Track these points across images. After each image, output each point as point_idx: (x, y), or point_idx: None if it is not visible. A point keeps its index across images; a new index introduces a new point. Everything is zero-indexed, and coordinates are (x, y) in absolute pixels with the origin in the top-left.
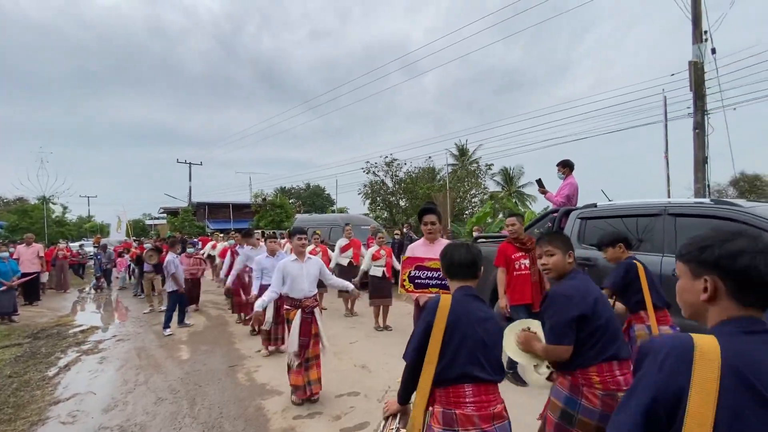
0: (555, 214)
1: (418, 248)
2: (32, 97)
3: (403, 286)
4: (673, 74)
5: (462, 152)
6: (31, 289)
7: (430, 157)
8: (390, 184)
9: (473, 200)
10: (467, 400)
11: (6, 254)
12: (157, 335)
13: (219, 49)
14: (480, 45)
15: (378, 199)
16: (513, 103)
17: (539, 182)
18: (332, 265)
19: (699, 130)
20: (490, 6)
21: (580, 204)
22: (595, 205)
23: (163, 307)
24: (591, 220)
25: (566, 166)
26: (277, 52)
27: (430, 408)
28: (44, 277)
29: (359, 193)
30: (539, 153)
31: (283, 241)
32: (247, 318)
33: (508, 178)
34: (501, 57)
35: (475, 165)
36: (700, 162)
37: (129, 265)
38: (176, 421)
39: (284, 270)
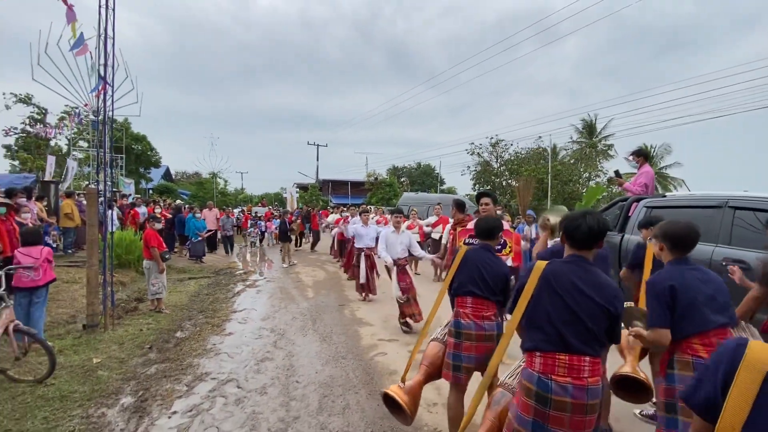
0: (624, 202)
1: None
2: (206, 90)
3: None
4: None
5: (589, 128)
6: (212, 242)
7: (540, 137)
8: (495, 165)
9: (588, 183)
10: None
11: (199, 215)
12: (293, 280)
13: (356, 35)
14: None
15: (482, 179)
16: (673, 66)
17: (617, 173)
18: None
19: None
20: None
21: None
22: (664, 196)
23: (294, 261)
24: (657, 209)
25: (640, 155)
26: (408, 34)
27: None
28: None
29: (462, 174)
30: (693, 127)
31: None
32: (350, 275)
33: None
34: (658, 12)
35: (602, 144)
36: None
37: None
38: (303, 330)
39: (386, 238)
